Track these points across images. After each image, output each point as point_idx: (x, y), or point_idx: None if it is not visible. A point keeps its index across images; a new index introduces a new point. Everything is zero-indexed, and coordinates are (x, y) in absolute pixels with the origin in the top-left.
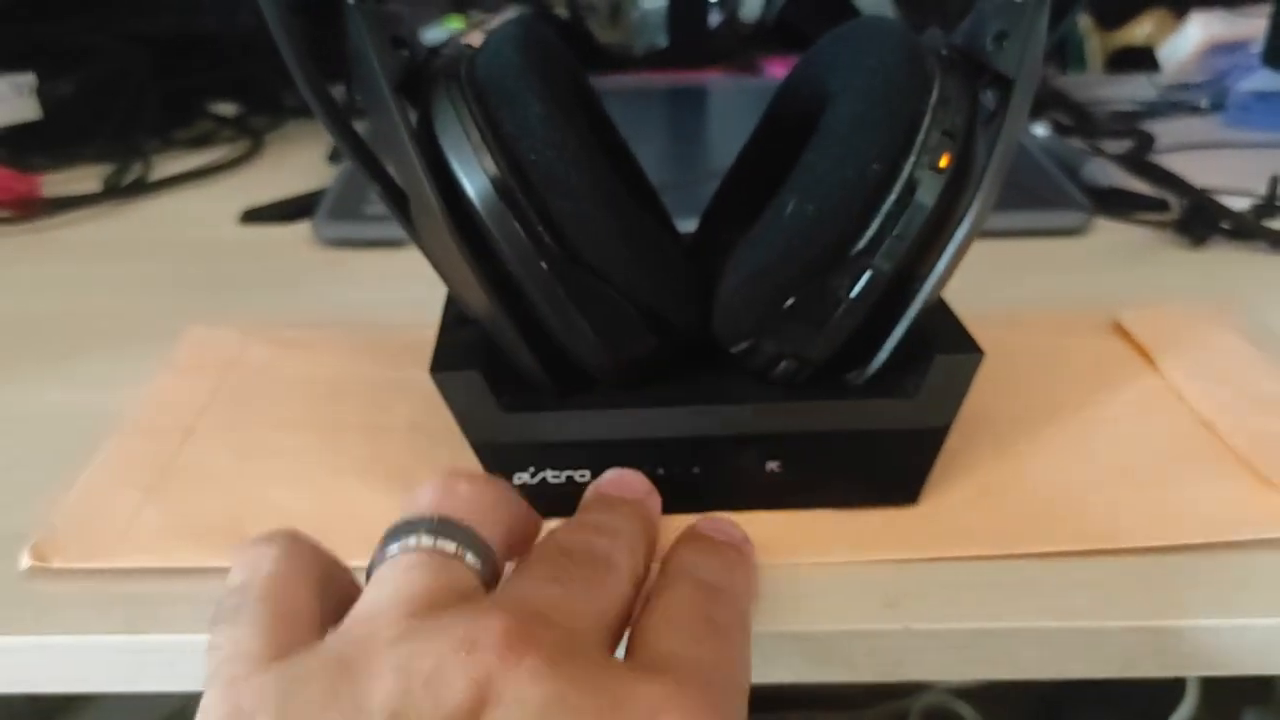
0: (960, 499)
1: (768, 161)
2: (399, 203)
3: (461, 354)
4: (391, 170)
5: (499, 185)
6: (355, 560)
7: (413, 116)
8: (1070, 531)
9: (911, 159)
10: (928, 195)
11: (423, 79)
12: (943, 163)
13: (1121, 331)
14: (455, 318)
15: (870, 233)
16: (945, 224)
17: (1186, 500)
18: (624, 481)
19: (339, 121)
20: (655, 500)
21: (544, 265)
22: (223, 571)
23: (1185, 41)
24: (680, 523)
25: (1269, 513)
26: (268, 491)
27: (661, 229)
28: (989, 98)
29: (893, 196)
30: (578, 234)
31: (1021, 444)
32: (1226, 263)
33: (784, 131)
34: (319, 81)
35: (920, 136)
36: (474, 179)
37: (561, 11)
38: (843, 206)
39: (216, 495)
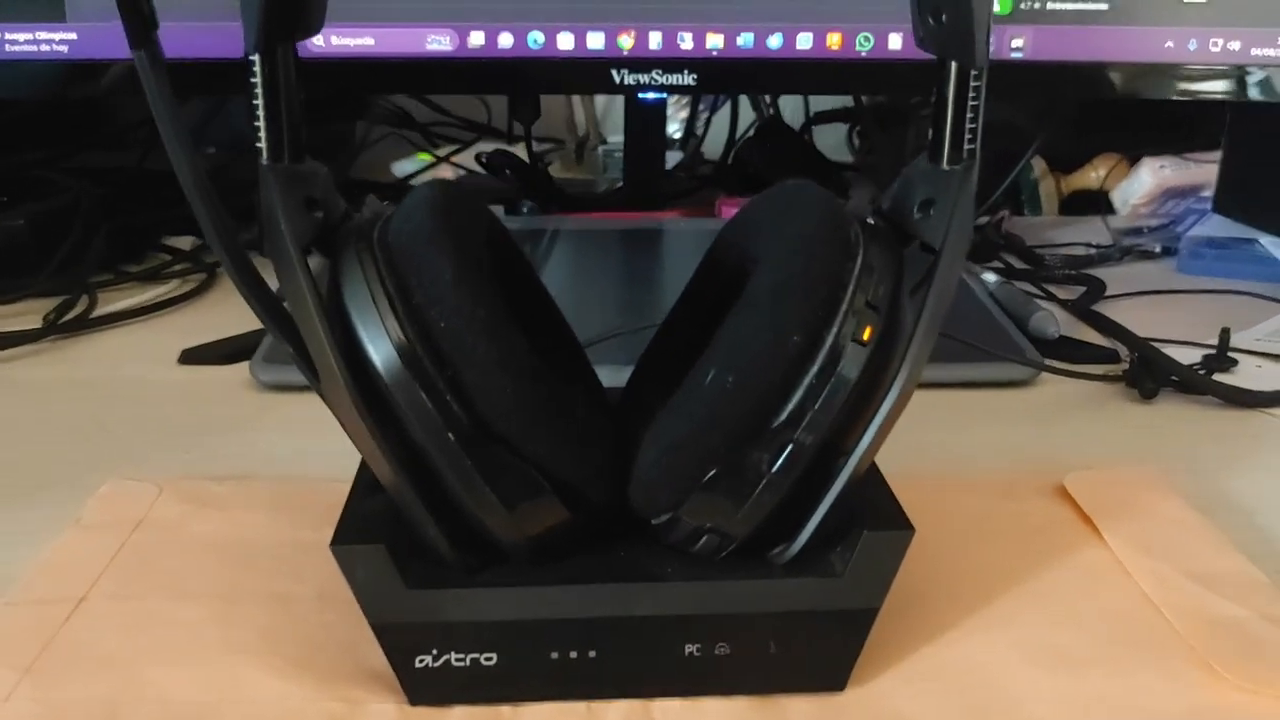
0: (891, 685)
1: (695, 325)
2: (311, 365)
3: (367, 525)
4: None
5: (405, 354)
6: None
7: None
8: None
9: (834, 331)
10: (851, 368)
11: (336, 241)
12: (866, 335)
13: (1066, 494)
14: (368, 484)
15: (791, 406)
16: (870, 397)
17: (1131, 692)
18: None
19: (252, 281)
20: None
21: (451, 437)
22: None
23: (1137, 186)
24: (594, 710)
25: (1218, 711)
26: (151, 673)
27: (581, 395)
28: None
29: (814, 369)
30: (487, 405)
31: (957, 623)
32: (1176, 418)
33: (710, 296)
34: (232, 240)
35: (842, 308)
36: (379, 346)
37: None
38: (761, 378)
39: (96, 677)
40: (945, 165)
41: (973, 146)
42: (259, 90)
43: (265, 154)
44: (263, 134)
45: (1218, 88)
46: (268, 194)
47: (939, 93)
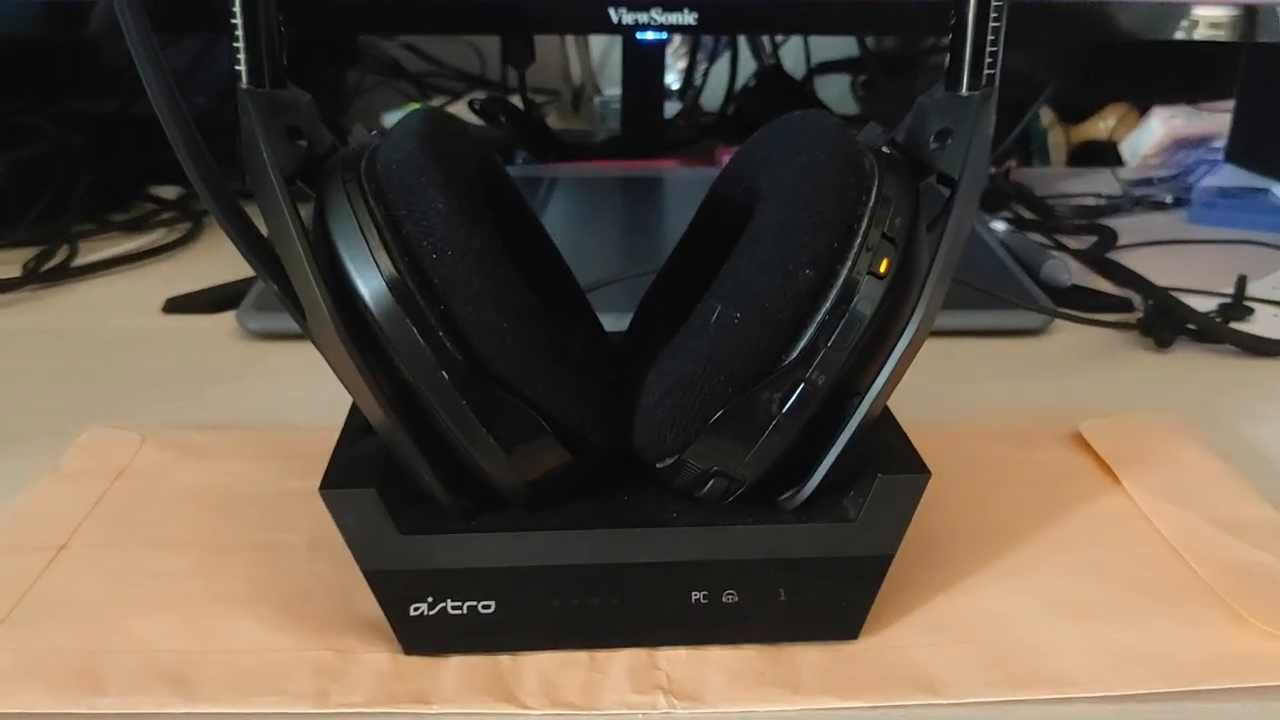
0: (905, 635)
1: (700, 261)
2: (297, 303)
3: (358, 469)
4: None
5: (396, 288)
6: (220, 706)
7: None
8: (1025, 675)
9: (848, 264)
10: (866, 304)
11: (321, 172)
12: (882, 268)
13: (1083, 442)
14: (359, 427)
15: (803, 343)
16: (886, 334)
17: (1154, 640)
18: None
19: (232, 213)
20: None
21: (445, 376)
22: (75, 719)
23: (1148, 136)
24: (597, 660)
25: (1244, 657)
26: (132, 623)
27: (581, 334)
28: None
29: (827, 305)
30: (482, 342)
31: (974, 571)
32: (1192, 366)
33: (717, 230)
34: (207, 164)
35: (858, 240)
36: (369, 280)
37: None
38: (771, 315)
39: (76, 627)
40: (964, 92)
41: (993, 72)
42: (237, 8)
43: (244, 78)
44: (241, 56)
45: (1229, 25)
46: (247, 120)
47: (958, 13)
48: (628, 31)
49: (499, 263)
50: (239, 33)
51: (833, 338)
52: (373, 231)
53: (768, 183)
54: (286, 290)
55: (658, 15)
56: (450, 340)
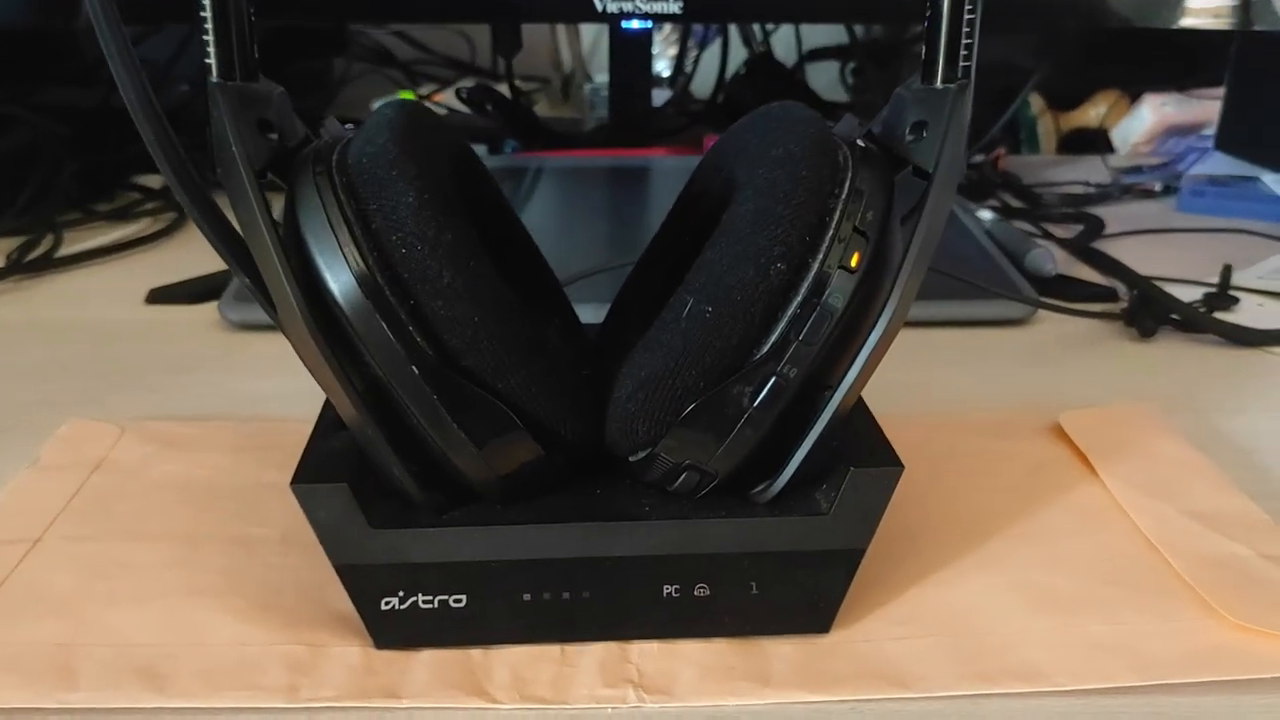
0: (877, 628)
1: (678, 252)
2: (269, 297)
3: (330, 464)
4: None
5: (365, 283)
6: (192, 701)
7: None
8: (997, 669)
9: (819, 258)
10: (838, 297)
11: (293, 165)
12: (854, 262)
13: (1062, 434)
14: (332, 422)
15: (774, 337)
16: (858, 328)
17: (1127, 634)
18: None
19: (204, 206)
20: None
21: (415, 371)
22: (47, 713)
23: (1138, 123)
24: (568, 654)
25: (1216, 651)
26: (107, 616)
27: (555, 327)
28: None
29: (799, 298)
30: (453, 336)
31: (948, 564)
32: (1176, 356)
33: (694, 221)
34: (178, 155)
35: (829, 233)
36: (338, 275)
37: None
38: (742, 308)
39: (50, 620)
40: (939, 84)
41: (968, 64)
42: (206, 0)
43: (214, 71)
44: (211, 48)
45: (1221, 13)
46: (217, 114)
47: (932, 6)
48: (613, 20)
49: (470, 256)
50: (208, 25)
51: (804, 331)
52: (342, 225)
53: (743, 174)
54: (258, 284)
55: (642, 4)
56: (421, 335)
